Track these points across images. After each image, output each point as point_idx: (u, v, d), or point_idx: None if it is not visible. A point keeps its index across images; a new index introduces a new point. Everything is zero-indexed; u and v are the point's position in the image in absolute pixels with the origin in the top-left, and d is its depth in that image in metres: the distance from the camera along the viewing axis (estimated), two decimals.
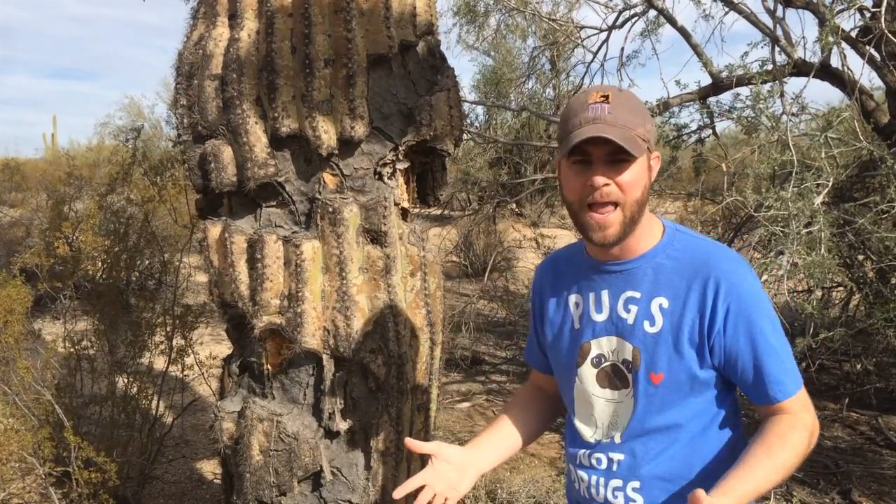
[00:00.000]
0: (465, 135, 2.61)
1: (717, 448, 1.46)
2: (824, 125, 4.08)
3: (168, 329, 3.81)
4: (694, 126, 5.27)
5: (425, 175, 2.49)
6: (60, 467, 3.16)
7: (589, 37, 6.65)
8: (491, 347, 6.58)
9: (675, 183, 6.73)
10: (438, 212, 9.53)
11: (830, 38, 3.88)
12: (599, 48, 6.40)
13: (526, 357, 1.81)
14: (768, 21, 4.56)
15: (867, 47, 4.10)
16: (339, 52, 2.15)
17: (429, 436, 2.50)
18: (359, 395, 2.25)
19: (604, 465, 1.49)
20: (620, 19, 5.98)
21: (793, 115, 4.19)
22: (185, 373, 3.90)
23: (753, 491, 1.26)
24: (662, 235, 1.47)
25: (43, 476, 3.15)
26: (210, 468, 4.11)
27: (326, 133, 2.15)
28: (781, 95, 4.13)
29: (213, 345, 5.64)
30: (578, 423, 1.54)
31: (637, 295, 1.45)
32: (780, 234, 3.55)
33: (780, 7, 4.50)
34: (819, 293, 4.87)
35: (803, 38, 4.89)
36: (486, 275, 7.45)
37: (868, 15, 4.14)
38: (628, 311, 1.45)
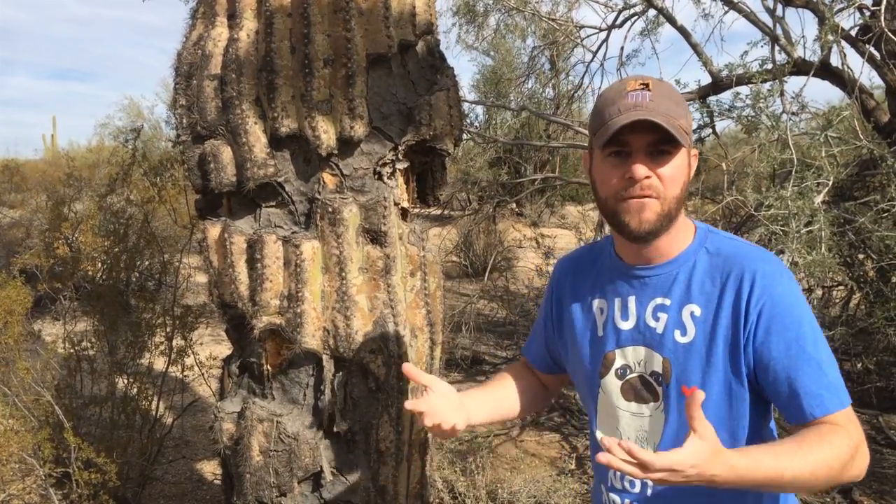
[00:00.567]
0: (464, 134, 2.61)
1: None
2: (824, 124, 4.08)
3: (168, 330, 3.81)
4: (694, 125, 5.27)
5: (425, 175, 2.48)
6: (60, 468, 3.16)
7: (588, 36, 6.66)
8: (491, 347, 6.57)
9: None
10: (438, 212, 9.53)
11: (830, 37, 3.88)
12: (599, 47, 6.41)
13: (525, 351, 1.71)
14: (768, 20, 4.56)
15: (867, 46, 4.10)
16: (338, 52, 2.15)
17: (429, 436, 2.49)
18: (359, 396, 2.25)
19: (637, 489, 1.39)
20: (620, 18, 5.99)
21: (793, 114, 4.19)
22: (185, 373, 3.90)
23: (772, 468, 1.12)
24: (694, 237, 1.36)
25: (43, 477, 3.15)
26: (210, 469, 4.11)
27: (326, 133, 2.15)
28: (781, 94, 4.12)
29: (212, 345, 5.64)
30: (601, 437, 1.43)
31: (667, 302, 1.34)
32: (781, 234, 3.55)
33: (779, 6, 4.50)
34: (819, 292, 4.86)
35: (803, 37, 4.90)
36: (486, 275, 7.45)
37: (868, 14, 4.13)
38: (657, 319, 1.34)
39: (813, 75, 4.24)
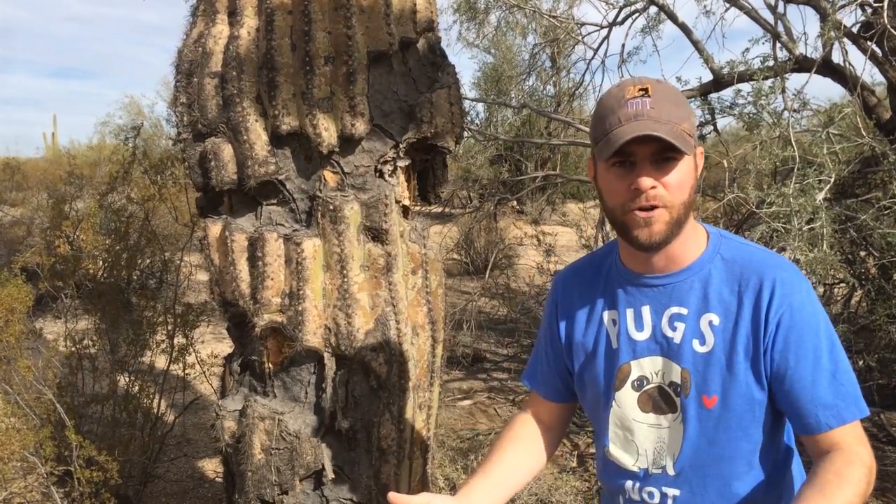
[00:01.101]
0: (465, 132, 2.60)
1: (782, 484, 1.34)
2: (826, 121, 4.07)
3: (169, 328, 3.81)
4: (695, 125, 5.24)
5: (426, 172, 2.48)
6: (62, 466, 3.16)
7: (590, 33, 6.65)
8: (492, 345, 6.57)
9: None
10: (439, 209, 9.54)
11: (832, 34, 3.87)
12: (600, 45, 6.39)
13: (527, 380, 1.60)
14: (769, 17, 4.55)
15: (869, 43, 4.09)
16: (339, 50, 2.14)
17: (431, 434, 2.49)
18: (360, 394, 2.25)
19: (657, 500, 1.36)
20: (621, 16, 5.97)
21: (794, 111, 4.18)
22: (187, 371, 3.90)
23: None
24: (707, 244, 1.33)
25: (45, 475, 3.15)
26: (212, 467, 4.11)
27: (327, 131, 2.15)
28: (783, 91, 4.11)
29: (214, 343, 5.64)
30: (615, 451, 1.40)
31: (684, 311, 1.31)
32: (782, 231, 3.54)
33: (781, 3, 4.49)
34: (821, 290, 4.86)
35: (805, 34, 4.90)
36: (488, 272, 7.45)
37: (870, 10, 4.12)
38: (674, 329, 1.31)
39: (815, 72, 4.23)
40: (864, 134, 4.11)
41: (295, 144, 2.22)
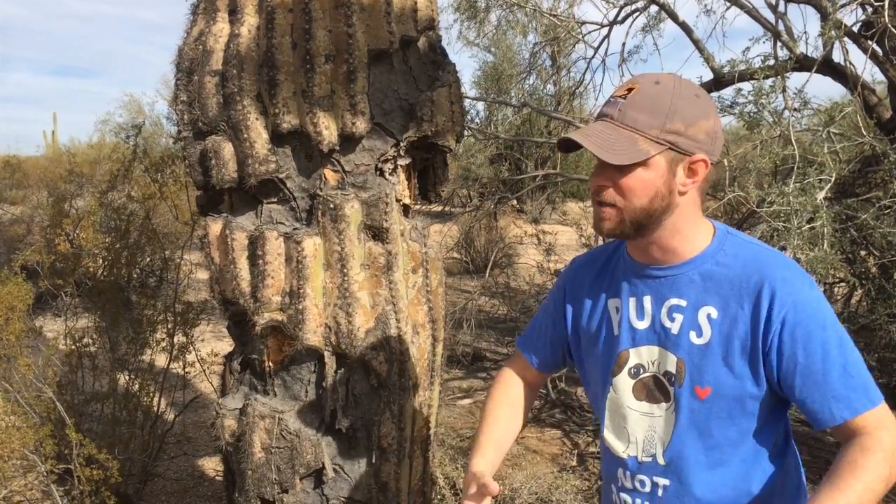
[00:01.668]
0: (465, 131, 2.60)
1: (772, 477, 1.34)
2: (826, 120, 4.07)
3: (169, 326, 3.81)
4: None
5: (426, 171, 2.48)
6: (62, 465, 3.16)
7: (590, 32, 6.65)
8: (492, 344, 6.57)
9: None
10: (439, 208, 9.53)
11: (832, 33, 3.86)
12: (601, 44, 6.38)
13: (521, 344, 1.66)
14: (770, 16, 4.55)
15: (869, 42, 4.08)
16: (339, 48, 2.14)
17: (431, 432, 2.49)
18: (360, 392, 2.25)
19: (647, 489, 1.38)
20: (622, 15, 5.96)
21: (795, 110, 4.17)
22: (187, 370, 3.90)
23: None
24: (712, 239, 1.35)
25: (45, 473, 3.15)
26: (212, 465, 4.11)
27: (327, 129, 2.15)
28: (783, 91, 4.11)
29: (214, 342, 5.64)
30: (609, 436, 1.43)
31: (682, 303, 1.33)
32: (783, 230, 3.54)
33: (781, 2, 4.49)
34: (821, 289, 4.85)
35: (805, 33, 4.90)
36: (488, 271, 7.44)
37: (870, 10, 4.12)
38: (673, 319, 1.34)
39: (815, 71, 4.22)
40: (865, 133, 4.10)
41: (295, 143, 2.22)
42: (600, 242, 5.79)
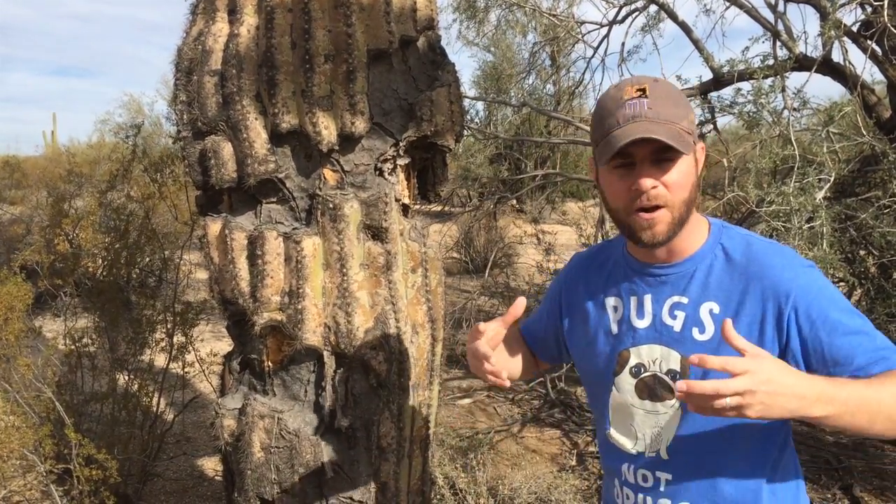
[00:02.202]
0: (465, 131, 2.60)
1: (773, 473, 1.34)
2: (826, 120, 4.07)
3: (168, 326, 3.81)
4: (695, 120, 5.23)
5: (426, 171, 2.48)
6: (61, 465, 3.16)
7: (589, 32, 6.65)
8: None
9: None
10: (439, 208, 9.53)
11: (832, 33, 3.86)
12: (600, 43, 6.39)
13: (526, 332, 1.69)
14: (769, 16, 4.55)
15: (869, 42, 4.08)
16: (339, 48, 2.14)
17: (430, 432, 2.49)
18: (360, 392, 2.25)
19: (650, 483, 1.39)
20: (621, 14, 5.96)
21: (794, 109, 4.17)
22: (186, 370, 3.90)
23: (855, 391, 1.10)
24: (708, 234, 1.36)
25: (44, 473, 3.15)
26: (211, 465, 4.11)
27: (327, 129, 2.14)
28: (783, 90, 4.11)
29: (213, 342, 5.64)
30: (616, 434, 1.44)
31: (684, 300, 1.33)
32: (782, 230, 3.54)
33: (781, 1, 4.49)
34: None
35: (805, 32, 4.89)
36: (487, 271, 7.45)
37: (870, 9, 4.12)
38: (674, 317, 1.34)
39: (815, 71, 4.22)
40: (864, 133, 4.10)
41: (295, 143, 2.22)
42: (599, 242, 5.78)
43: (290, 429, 2.22)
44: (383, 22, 2.16)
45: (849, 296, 4.90)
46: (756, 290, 1.27)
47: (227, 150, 2.21)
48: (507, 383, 1.34)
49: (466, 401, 5.21)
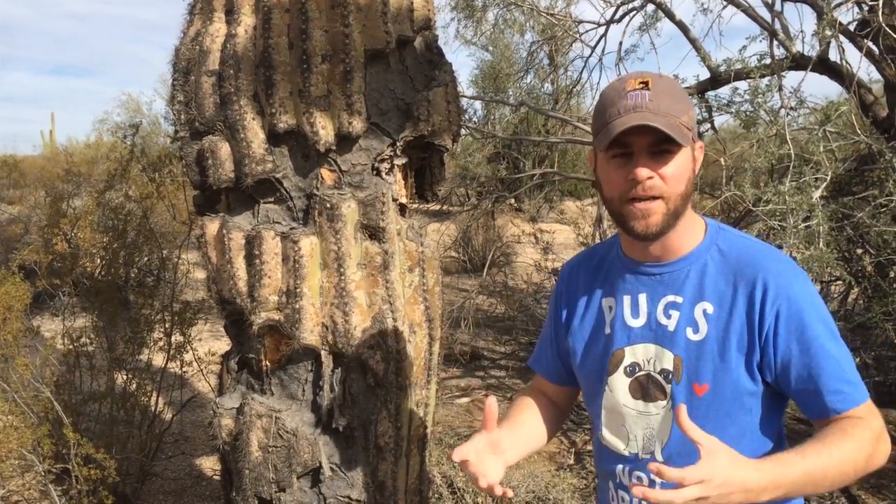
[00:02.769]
0: (463, 130, 2.60)
1: None
2: (822, 119, 4.08)
3: (167, 325, 3.81)
4: (695, 119, 5.23)
5: (423, 170, 2.48)
6: (60, 464, 3.16)
7: (587, 31, 6.63)
8: (490, 343, 6.58)
9: None
10: (437, 207, 9.53)
11: (828, 32, 3.87)
12: (597, 43, 6.39)
13: (534, 364, 1.66)
14: (766, 15, 4.56)
15: (865, 41, 4.09)
16: (336, 48, 2.15)
17: (428, 431, 2.50)
18: (357, 391, 2.25)
19: (645, 486, 1.38)
20: (618, 14, 5.96)
21: (791, 109, 4.18)
22: (184, 369, 3.91)
23: (801, 468, 1.15)
24: (705, 234, 1.36)
25: (42, 473, 3.15)
26: (209, 464, 4.12)
27: (324, 129, 2.15)
28: (780, 89, 4.12)
29: (211, 341, 5.64)
30: (608, 436, 1.43)
31: (679, 300, 1.33)
32: (779, 229, 3.55)
33: (778, 0, 4.50)
34: (818, 287, 4.87)
35: (801, 31, 4.89)
36: (485, 270, 7.44)
37: (866, 8, 4.13)
38: (669, 316, 1.34)
39: (811, 70, 4.23)
40: (861, 132, 4.11)
41: (292, 142, 2.23)
42: (598, 241, 5.79)
43: (288, 428, 2.22)
44: (380, 22, 2.17)
45: (846, 295, 4.92)
46: (745, 289, 1.28)
47: (224, 150, 2.22)
48: (508, 493, 1.30)
49: (465, 400, 5.21)
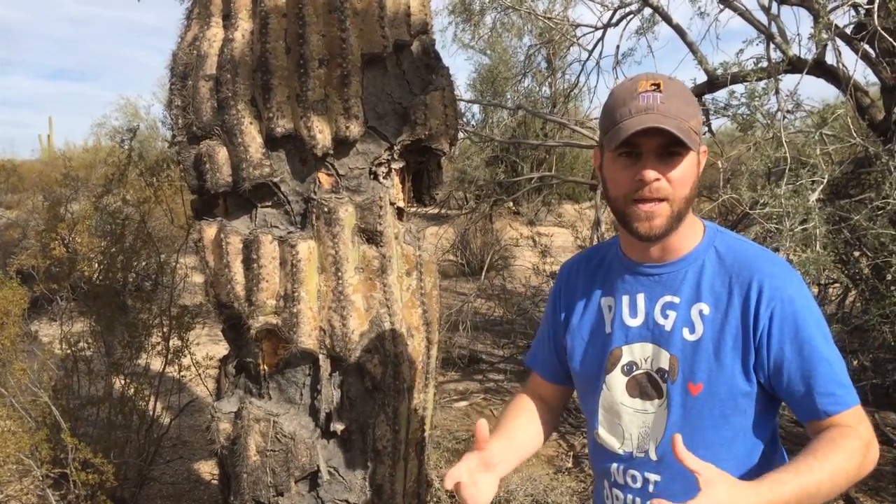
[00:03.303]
0: (461, 133, 2.61)
1: (761, 475, 1.32)
2: (819, 122, 4.09)
3: (165, 330, 3.81)
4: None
5: (421, 174, 2.49)
6: (58, 469, 3.16)
7: (584, 35, 6.66)
8: (488, 346, 6.58)
9: None
10: (436, 211, 9.54)
11: (824, 34, 3.88)
12: (595, 46, 6.41)
13: (530, 361, 1.67)
14: (763, 18, 4.57)
15: (861, 44, 4.10)
16: (333, 52, 2.15)
17: (426, 435, 2.50)
18: (355, 395, 2.25)
19: (639, 484, 1.40)
20: (616, 17, 5.99)
21: (788, 112, 4.20)
22: (182, 373, 3.90)
23: (796, 485, 1.16)
24: (703, 236, 1.38)
25: (40, 478, 3.15)
26: (208, 469, 4.11)
27: (321, 133, 2.15)
28: (776, 93, 4.13)
29: (209, 345, 5.64)
30: (604, 434, 1.44)
31: (676, 300, 1.35)
32: (776, 232, 3.56)
33: (774, 4, 4.51)
34: (815, 290, 4.88)
35: (798, 35, 4.90)
36: (484, 273, 7.45)
37: (862, 12, 4.14)
38: (666, 316, 1.36)
39: (808, 73, 4.24)
40: (857, 135, 4.12)
41: (289, 147, 2.23)
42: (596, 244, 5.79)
43: (286, 432, 2.22)
44: (377, 26, 2.17)
45: (843, 297, 4.93)
46: (741, 291, 1.30)
47: (222, 154, 2.22)
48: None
49: (463, 403, 5.21)
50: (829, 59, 4.38)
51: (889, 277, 3.78)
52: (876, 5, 3.79)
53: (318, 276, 2.19)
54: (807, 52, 4.47)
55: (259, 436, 2.23)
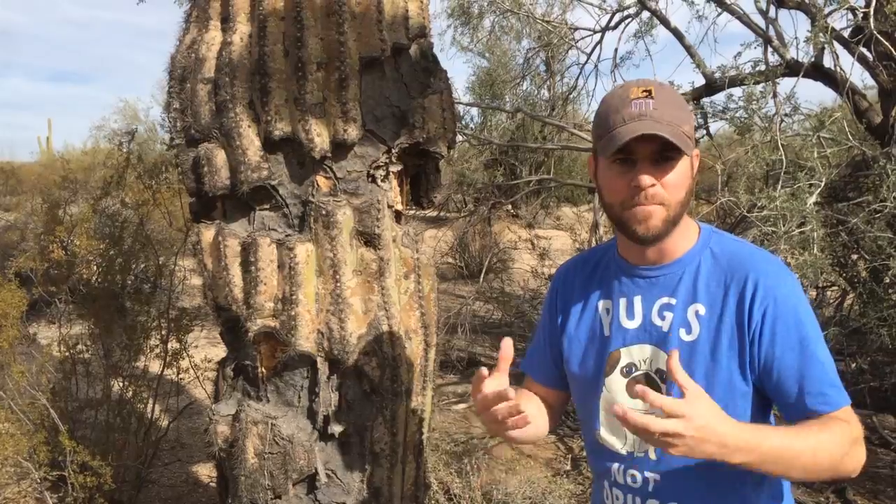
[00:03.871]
0: (460, 136, 2.62)
1: (759, 477, 1.34)
2: (817, 125, 4.10)
3: (163, 332, 3.81)
4: (694, 127, 5.24)
5: (419, 177, 2.49)
6: (56, 471, 3.16)
7: (583, 38, 6.68)
8: (487, 349, 6.58)
9: None
10: (434, 213, 9.54)
11: (821, 38, 3.90)
12: (593, 49, 6.43)
13: (525, 367, 1.66)
14: (761, 21, 4.59)
15: (858, 47, 4.12)
16: (331, 55, 2.16)
17: (424, 437, 2.50)
18: (353, 398, 2.26)
19: (639, 484, 1.40)
20: (614, 21, 6.01)
21: (785, 115, 4.21)
22: (181, 376, 3.90)
23: (777, 442, 1.16)
24: (698, 238, 1.39)
25: (38, 480, 3.15)
26: (206, 471, 4.11)
27: (319, 136, 2.16)
28: (774, 96, 4.14)
29: (208, 348, 5.64)
30: (605, 435, 1.45)
31: (673, 301, 1.36)
32: (773, 235, 3.56)
33: (772, 7, 4.52)
34: (813, 293, 4.88)
35: (796, 38, 4.91)
36: (482, 276, 7.45)
37: (860, 15, 4.15)
38: (663, 318, 1.37)
39: (805, 76, 4.25)
40: (855, 138, 4.13)
41: (288, 150, 2.23)
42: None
43: (284, 435, 2.22)
44: (375, 30, 2.18)
45: (841, 300, 4.93)
46: (735, 290, 1.31)
47: (220, 157, 2.22)
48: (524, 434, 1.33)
49: (461, 406, 5.21)
50: (827, 62, 4.39)
51: (887, 280, 3.79)
52: (872, 9, 3.80)
53: (316, 278, 2.19)
54: (804, 55, 4.49)
55: (257, 438, 2.23)
